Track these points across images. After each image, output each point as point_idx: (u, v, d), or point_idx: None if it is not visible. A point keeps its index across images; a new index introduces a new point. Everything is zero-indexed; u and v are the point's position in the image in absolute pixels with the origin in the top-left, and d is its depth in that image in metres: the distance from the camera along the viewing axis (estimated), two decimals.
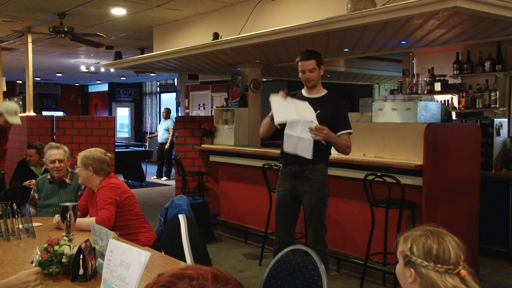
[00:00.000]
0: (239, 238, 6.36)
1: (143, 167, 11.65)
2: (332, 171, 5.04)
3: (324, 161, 3.66)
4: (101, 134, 7.10)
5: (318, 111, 3.50)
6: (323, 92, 3.70)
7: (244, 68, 7.27)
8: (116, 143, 10.33)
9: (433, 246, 1.48)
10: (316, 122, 3.42)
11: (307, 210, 3.65)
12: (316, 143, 3.49)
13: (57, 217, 3.19)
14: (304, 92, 3.74)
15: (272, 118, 3.65)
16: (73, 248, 2.32)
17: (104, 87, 18.48)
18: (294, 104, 3.48)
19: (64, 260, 2.28)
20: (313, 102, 3.56)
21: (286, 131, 3.52)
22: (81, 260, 2.20)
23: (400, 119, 4.64)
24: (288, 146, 3.55)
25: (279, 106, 3.49)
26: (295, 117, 3.45)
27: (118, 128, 17.92)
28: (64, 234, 2.77)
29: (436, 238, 1.50)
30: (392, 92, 7.53)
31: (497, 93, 5.89)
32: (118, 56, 7.94)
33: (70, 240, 2.57)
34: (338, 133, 3.54)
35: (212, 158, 6.94)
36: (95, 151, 3.47)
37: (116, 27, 7.86)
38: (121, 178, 10.98)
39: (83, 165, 3.38)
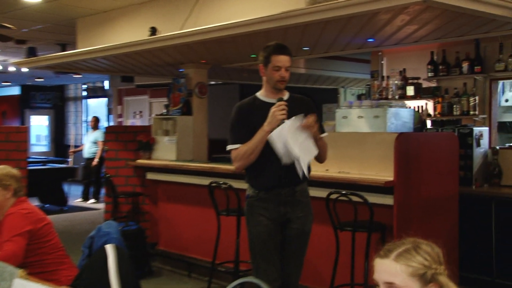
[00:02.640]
0: (182, 271, 6.31)
1: (65, 188, 11.42)
2: None
3: (308, 179, 3.61)
4: (9, 148, 6.83)
5: (293, 117, 3.40)
6: (286, 94, 3.61)
7: (188, 69, 7.27)
8: (30, 159, 10.05)
9: (436, 250, 1.65)
10: (297, 119, 3.33)
11: (294, 241, 3.56)
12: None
13: None
14: (262, 96, 3.59)
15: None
16: None
17: (15, 91, 18.01)
18: (286, 130, 3.34)
19: None
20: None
21: (285, 160, 3.35)
22: None
23: (368, 128, 4.76)
24: (305, 160, 3.37)
25: (280, 141, 3.34)
26: (294, 146, 3.33)
27: (33, 141, 17.50)
28: None
29: (423, 243, 1.67)
30: (359, 97, 7.72)
31: (477, 98, 6.13)
32: (32, 52, 7.79)
33: None
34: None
35: (150, 176, 6.87)
36: (10, 168, 3.39)
37: (29, 17, 7.69)
38: (35, 202, 10.82)
39: (0, 186, 3.28)
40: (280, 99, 3.41)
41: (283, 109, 3.33)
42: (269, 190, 3.52)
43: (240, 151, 3.48)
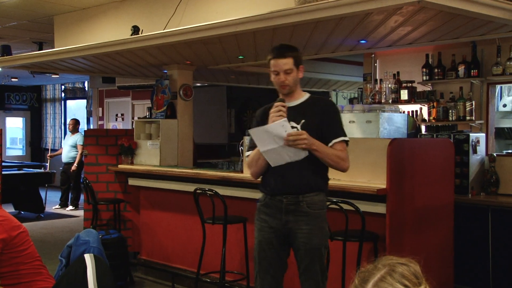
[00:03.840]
0: (165, 282, 6.31)
1: (42, 194, 11.36)
2: None
3: (324, 189, 3.58)
4: None
5: (303, 121, 3.44)
6: (304, 96, 3.62)
7: (172, 70, 7.27)
8: (4, 164, 9.99)
9: (413, 268, 1.57)
10: (287, 125, 3.29)
11: (303, 256, 3.49)
12: (314, 166, 3.45)
13: None
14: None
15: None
16: None
17: None
18: (267, 130, 3.36)
19: None
20: (293, 112, 3.48)
21: (261, 149, 3.39)
22: None
23: (359, 134, 4.80)
24: (275, 160, 3.42)
25: (259, 138, 3.40)
26: (274, 145, 3.36)
27: (8, 144, 17.37)
28: None
29: (398, 263, 1.59)
30: (351, 101, 7.77)
31: (473, 102, 6.19)
32: (6, 51, 7.75)
33: None
34: (330, 143, 3.47)
35: (132, 182, 6.87)
36: None
37: (3, 13, 7.66)
38: (10, 209, 10.76)
39: None
40: (280, 100, 3.43)
41: (279, 111, 3.35)
42: (273, 196, 3.55)
43: (249, 158, 3.62)
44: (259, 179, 3.69)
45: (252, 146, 3.60)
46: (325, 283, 3.56)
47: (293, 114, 3.46)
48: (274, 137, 3.32)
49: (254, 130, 3.39)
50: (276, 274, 3.60)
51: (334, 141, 3.47)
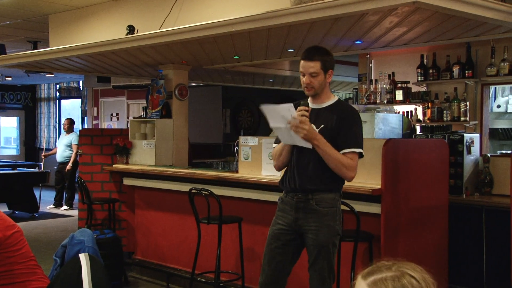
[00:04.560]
0: (160, 282, 6.31)
1: (37, 193, 11.35)
2: (264, 195, 5.14)
3: (336, 189, 3.64)
4: None
5: (322, 126, 3.50)
6: (331, 100, 3.67)
7: (168, 70, 7.27)
8: None
9: (425, 276, 1.54)
10: (293, 110, 3.36)
11: (312, 252, 3.57)
12: (327, 166, 3.48)
13: None
14: (309, 99, 3.68)
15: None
16: None
17: None
18: (276, 109, 3.48)
19: None
20: (315, 115, 3.54)
21: (271, 125, 3.53)
22: None
23: None
24: (283, 138, 3.61)
25: (270, 115, 3.51)
26: (282, 124, 3.46)
27: (2, 143, 17.38)
28: None
29: (409, 273, 1.56)
30: (346, 101, 7.79)
31: (467, 103, 6.22)
32: (0, 50, 7.73)
33: None
34: (341, 152, 3.49)
35: (127, 182, 6.86)
36: None
37: None
38: (4, 209, 10.74)
39: None
40: (304, 104, 3.51)
41: (302, 115, 3.41)
42: (287, 194, 3.69)
43: (274, 151, 3.79)
44: (281, 171, 3.82)
45: (278, 140, 3.73)
46: (332, 280, 3.62)
47: (315, 117, 3.54)
48: (282, 117, 3.42)
49: (265, 107, 3.47)
50: (278, 268, 3.66)
51: (344, 150, 3.50)
